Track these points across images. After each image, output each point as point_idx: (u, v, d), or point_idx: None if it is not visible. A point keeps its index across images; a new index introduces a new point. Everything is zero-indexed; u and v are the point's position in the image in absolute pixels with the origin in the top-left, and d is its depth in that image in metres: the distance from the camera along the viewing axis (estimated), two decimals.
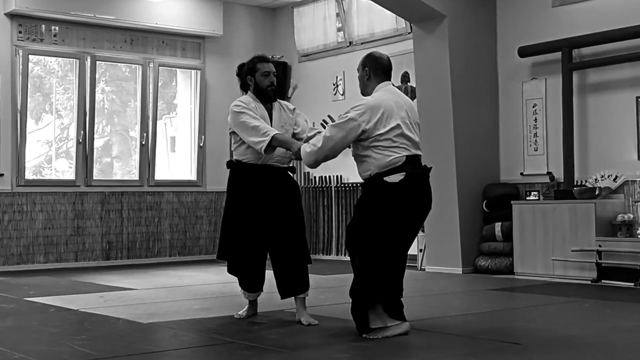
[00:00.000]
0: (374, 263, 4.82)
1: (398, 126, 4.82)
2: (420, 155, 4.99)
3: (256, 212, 5.38)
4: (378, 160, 4.81)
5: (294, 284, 5.39)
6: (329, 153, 4.90)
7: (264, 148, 5.13)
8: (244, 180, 5.42)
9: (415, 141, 4.92)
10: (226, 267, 5.63)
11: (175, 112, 11.96)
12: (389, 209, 4.80)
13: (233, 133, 5.43)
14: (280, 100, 5.60)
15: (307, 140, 5.24)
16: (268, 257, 5.48)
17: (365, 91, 5.06)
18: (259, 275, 5.52)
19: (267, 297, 5.82)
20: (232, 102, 5.44)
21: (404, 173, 4.80)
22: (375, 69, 5.01)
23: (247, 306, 5.68)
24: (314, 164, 5.01)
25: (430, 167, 5.05)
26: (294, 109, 5.62)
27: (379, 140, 4.80)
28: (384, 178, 4.80)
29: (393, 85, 5.09)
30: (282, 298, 5.48)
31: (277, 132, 5.20)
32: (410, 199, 4.86)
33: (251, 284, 5.56)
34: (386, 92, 4.94)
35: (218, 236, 5.74)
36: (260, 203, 5.37)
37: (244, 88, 5.55)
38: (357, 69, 5.12)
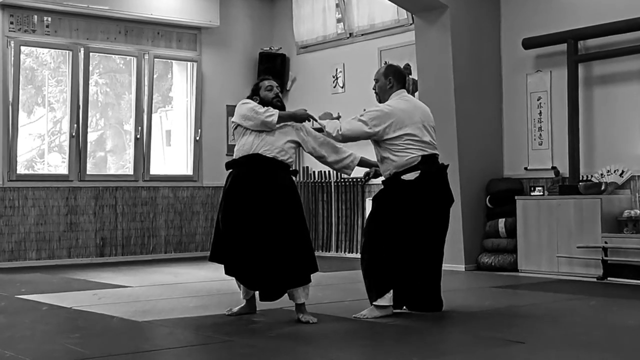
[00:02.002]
0: (389, 253, 5.44)
1: (409, 133, 5.47)
2: (437, 155, 5.64)
3: (247, 211, 5.42)
4: (396, 161, 5.47)
5: (274, 288, 5.40)
6: (346, 140, 5.62)
7: (275, 120, 5.44)
8: (237, 178, 5.49)
9: (429, 142, 5.56)
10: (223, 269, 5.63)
11: (171, 105, 11.94)
12: (405, 205, 5.46)
13: (236, 128, 5.63)
14: None
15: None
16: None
17: (384, 98, 5.70)
18: (252, 273, 5.50)
19: None
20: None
21: (419, 171, 5.44)
22: (398, 79, 5.69)
23: (243, 304, 5.68)
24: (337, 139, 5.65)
25: (447, 165, 5.70)
26: (301, 127, 5.71)
27: (393, 143, 5.47)
28: (402, 177, 5.46)
29: (406, 91, 5.76)
30: (270, 300, 5.48)
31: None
32: (426, 195, 5.49)
33: (247, 280, 5.55)
34: (401, 101, 5.61)
35: (214, 232, 5.79)
36: (251, 202, 5.42)
37: None
38: (376, 79, 5.73)
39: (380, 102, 5.72)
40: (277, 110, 5.50)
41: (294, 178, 5.68)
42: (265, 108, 5.50)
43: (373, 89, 5.80)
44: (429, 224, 5.52)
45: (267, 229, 5.40)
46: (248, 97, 5.74)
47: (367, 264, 5.56)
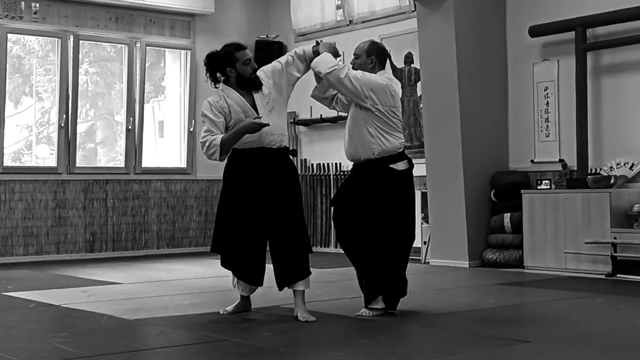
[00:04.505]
0: (393, 252, 5.43)
1: (397, 115, 5.47)
2: None
3: (254, 200, 5.40)
4: (391, 143, 5.42)
5: (289, 272, 5.40)
6: (338, 87, 5.42)
7: (218, 158, 5.36)
8: (241, 168, 5.46)
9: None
10: (219, 261, 5.60)
11: (164, 95, 11.93)
12: (398, 197, 5.42)
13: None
14: (261, 72, 5.53)
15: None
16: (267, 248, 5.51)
17: None
18: (258, 267, 5.49)
19: (261, 292, 5.83)
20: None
21: (406, 160, 5.47)
22: (380, 60, 5.57)
23: (237, 301, 5.68)
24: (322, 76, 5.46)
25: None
26: (272, 70, 5.53)
27: (385, 122, 5.40)
28: (390, 165, 5.40)
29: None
30: (279, 289, 5.49)
31: (222, 136, 5.33)
32: (412, 186, 5.57)
33: (250, 275, 5.51)
34: (386, 80, 5.52)
35: (209, 227, 5.78)
36: (257, 191, 5.39)
37: (216, 80, 5.53)
38: (357, 55, 5.58)
39: None
40: (218, 137, 5.31)
41: (293, 158, 5.66)
42: (208, 143, 5.33)
43: (351, 63, 5.61)
44: (411, 217, 5.61)
45: (273, 224, 5.41)
46: (218, 66, 5.48)
47: (368, 264, 5.46)
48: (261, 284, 5.57)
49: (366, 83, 5.38)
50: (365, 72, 5.45)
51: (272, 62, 5.62)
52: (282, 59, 5.60)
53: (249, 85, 5.44)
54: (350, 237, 5.54)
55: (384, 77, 5.53)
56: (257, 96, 5.44)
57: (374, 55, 5.54)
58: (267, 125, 5.27)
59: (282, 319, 5.43)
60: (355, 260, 5.57)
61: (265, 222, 5.42)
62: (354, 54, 5.61)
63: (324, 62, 5.41)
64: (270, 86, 5.49)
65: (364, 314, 5.46)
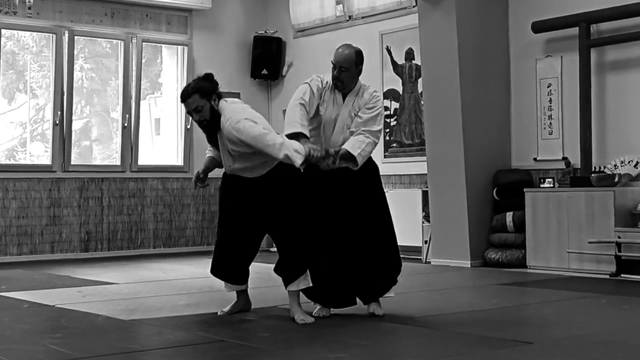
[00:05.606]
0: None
1: None
2: None
3: (238, 208, 5.44)
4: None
5: (283, 273, 5.39)
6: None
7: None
8: (224, 185, 5.55)
9: None
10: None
11: (160, 92, 11.94)
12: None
13: None
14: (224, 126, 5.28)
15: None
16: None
17: (349, 87, 5.46)
18: (239, 267, 5.51)
19: (258, 292, 5.83)
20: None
21: None
22: (363, 64, 5.55)
23: (234, 302, 5.66)
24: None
25: None
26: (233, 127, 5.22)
27: None
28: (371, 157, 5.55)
29: None
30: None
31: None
32: None
33: (227, 274, 5.55)
34: (379, 96, 5.63)
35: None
36: (242, 200, 5.43)
37: None
38: (345, 67, 5.37)
39: (343, 90, 5.43)
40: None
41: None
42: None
43: (337, 77, 5.40)
44: None
45: (266, 225, 5.43)
46: None
47: (375, 257, 5.45)
48: (242, 284, 5.58)
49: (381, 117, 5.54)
50: (372, 118, 5.38)
51: (235, 124, 5.18)
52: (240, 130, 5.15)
53: (207, 131, 5.37)
54: (346, 237, 5.46)
55: (372, 89, 5.54)
56: (220, 144, 5.33)
57: (360, 65, 5.50)
58: (206, 186, 5.59)
59: (280, 319, 5.42)
60: (349, 259, 5.46)
61: (252, 226, 5.44)
62: (341, 67, 5.37)
63: (361, 154, 5.29)
64: (233, 140, 5.23)
65: (376, 312, 5.44)
